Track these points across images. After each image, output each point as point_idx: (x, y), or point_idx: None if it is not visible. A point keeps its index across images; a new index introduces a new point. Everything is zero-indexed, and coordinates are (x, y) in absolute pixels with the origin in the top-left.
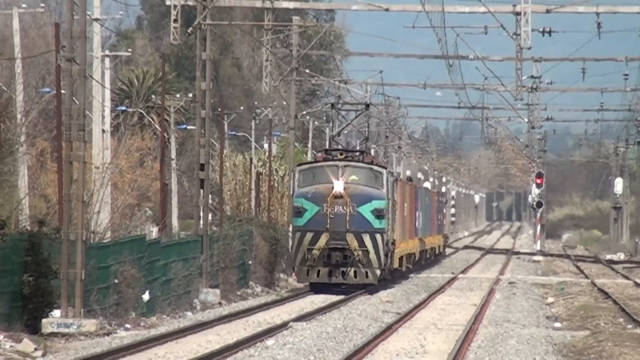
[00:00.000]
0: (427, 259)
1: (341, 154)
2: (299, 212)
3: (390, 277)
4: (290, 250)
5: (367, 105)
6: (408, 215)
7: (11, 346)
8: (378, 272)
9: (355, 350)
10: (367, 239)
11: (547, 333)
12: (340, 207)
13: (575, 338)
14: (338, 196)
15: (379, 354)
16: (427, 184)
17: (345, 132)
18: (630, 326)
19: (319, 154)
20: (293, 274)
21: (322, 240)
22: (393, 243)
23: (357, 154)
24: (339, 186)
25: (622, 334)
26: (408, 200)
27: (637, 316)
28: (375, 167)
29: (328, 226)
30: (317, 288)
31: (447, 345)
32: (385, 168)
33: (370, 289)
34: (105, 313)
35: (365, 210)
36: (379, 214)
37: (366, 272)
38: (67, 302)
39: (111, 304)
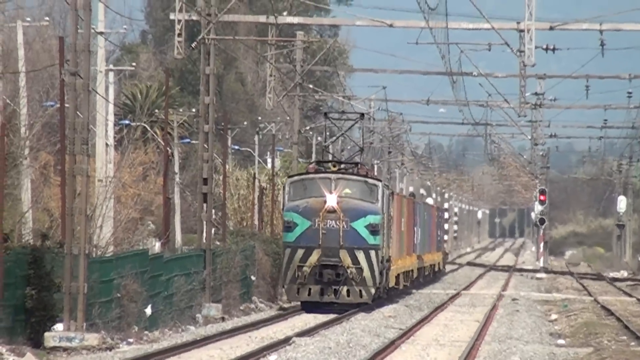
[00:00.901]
0: (426, 277)
1: (334, 166)
2: (289, 227)
3: (386, 296)
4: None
5: (362, 115)
6: (405, 231)
7: None
8: (372, 290)
9: None
10: (361, 255)
11: (550, 350)
12: (333, 222)
13: (578, 355)
14: (331, 210)
15: None
16: (429, 200)
17: (348, 146)
18: (633, 343)
19: (311, 165)
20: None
21: (314, 257)
22: (389, 260)
23: (351, 166)
24: (331, 200)
25: (625, 351)
26: (406, 215)
27: None
28: (370, 180)
29: (320, 242)
30: (308, 307)
31: None
32: (381, 181)
33: (365, 307)
34: (108, 327)
35: (360, 226)
36: (373, 230)
37: (360, 291)
38: (70, 315)
39: (113, 317)
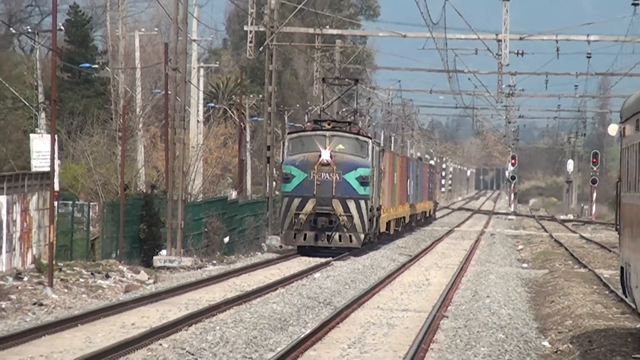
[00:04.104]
0: (418, 222)
1: (329, 124)
2: (287, 178)
3: (377, 240)
4: (278, 214)
5: (356, 81)
6: (398, 184)
7: (132, 276)
8: (362, 236)
9: (379, 281)
10: (352, 204)
11: (517, 271)
12: (327, 174)
13: (537, 275)
14: (325, 164)
15: (395, 285)
16: (431, 162)
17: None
18: (576, 266)
19: (308, 124)
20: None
21: (309, 206)
22: (379, 209)
23: (345, 124)
24: (326, 154)
25: (570, 272)
26: (399, 170)
27: (582, 259)
28: (361, 137)
29: (315, 192)
30: (303, 251)
31: (445, 279)
32: (371, 138)
33: (355, 251)
34: (198, 252)
35: (351, 178)
36: (363, 181)
37: (350, 236)
38: (171, 244)
39: (202, 246)
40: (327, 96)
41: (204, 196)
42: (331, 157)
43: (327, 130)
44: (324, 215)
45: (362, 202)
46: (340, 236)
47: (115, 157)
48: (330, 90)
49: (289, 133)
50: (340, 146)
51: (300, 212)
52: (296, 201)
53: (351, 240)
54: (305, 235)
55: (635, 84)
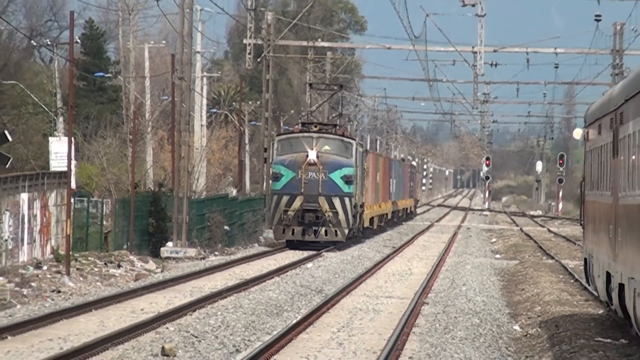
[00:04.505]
0: (400, 217)
1: (315, 127)
2: (276, 177)
3: (361, 235)
4: (268, 211)
5: (341, 86)
6: (381, 183)
7: (141, 265)
8: (346, 230)
9: (365, 271)
10: (337, 201)
11: (491, 261)
12: (314, 173)
13: (509, 265)
14: (312, 163)
15: (380, 274)
16: (413, 163)
17: (334, 113)
18: (544, 257)
19: (297, 126)
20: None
21: (297, 203)
22: (362, 205)
23: (330, 127)
24: (312, 155)
25: (539, 263)
26: (381, 170)
27: (549, 251)
28: (346, 139)
29: (302, 190)
30: (292, 244)
31: (426, 268)
32: (354, 139)
33: (341, 245)
34: (201, 244)
35: (336, 177)
36: (348, 180)
37: (335, 231)
38: (177, 237)
39: (205, 238)
40: (318, 101)
41: (206, 193)
42: (318, 157)
43: (314, 132)
44: (311, 211)
45: (347, 199)
46: (326, 231)
47: (126, 158)
48: (321, 96)
49: (278, 135)
50: (326, 147)
51: (289, 209)
52: (285, 198)
53: (336, 235)
54: (294, 230)
55: (597, 92)
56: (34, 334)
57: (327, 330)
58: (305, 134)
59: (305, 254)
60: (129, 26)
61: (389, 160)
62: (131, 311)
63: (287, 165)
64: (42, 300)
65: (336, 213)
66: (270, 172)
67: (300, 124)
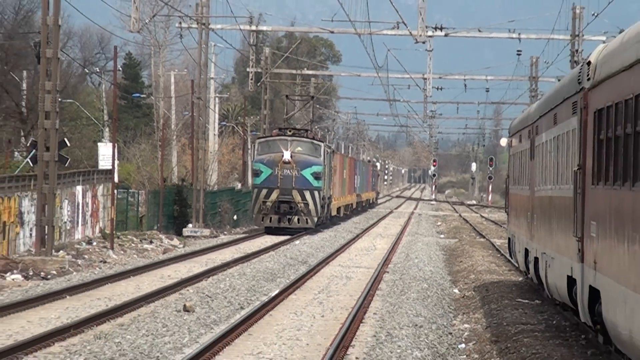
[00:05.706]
0: (363, 207)
1: (290, 131)
2: (257, 173)
3: (330, 222)
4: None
5: (312, 97)
6: (347, 178)
7: (168, 242)
8: (315, 219)
9: (340, 247)
10: (307, 194)
11: (437, 240)
12: (288, 170)
13: (450, 243)
14: (286, 162)
15: (352, 249)
16: (377, 164)
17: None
18: (478, 237)
19: (274, 131)
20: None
21: (274, 195)
22: (330, 197)
23: (303, 131)
24: (287, 155)
25: (473, 241)
26: (347, 168)
27: (481, 232)
28: (315, 142)
29: (279, 184)
30: (270, 230)
31: (387, 245)
32: (323, 142)
33: (310, 230)
34: (214, 226)
35: (307, 173)
36: (317, 176)
37: (306, 219)
38: (195, 220)
39: (217, 221)
40: (300, 111)
41: (218, 187)
42: (291, 156)
43: (289, 136)
44: (285, 202)
45: (316, 193)
46: (298, 219)
47: (157, 159)
48: (306, 109)
49: (258, 138)
50: (299, 148)
51: (267, 200)
52: (264, 191)
53: (307, 222)
54: (271, 218)
55: (518, 110)
56: (86, 294)
57: (310, 292)
58: (281, 137)
59: (294, 234)
60: (159, 58)
61: (354, 160)
62: (160, 277)
63: (266, 163)
64: (92, 268)
65: (307, 204)
66: (251, 169)
67: (277, 129)
